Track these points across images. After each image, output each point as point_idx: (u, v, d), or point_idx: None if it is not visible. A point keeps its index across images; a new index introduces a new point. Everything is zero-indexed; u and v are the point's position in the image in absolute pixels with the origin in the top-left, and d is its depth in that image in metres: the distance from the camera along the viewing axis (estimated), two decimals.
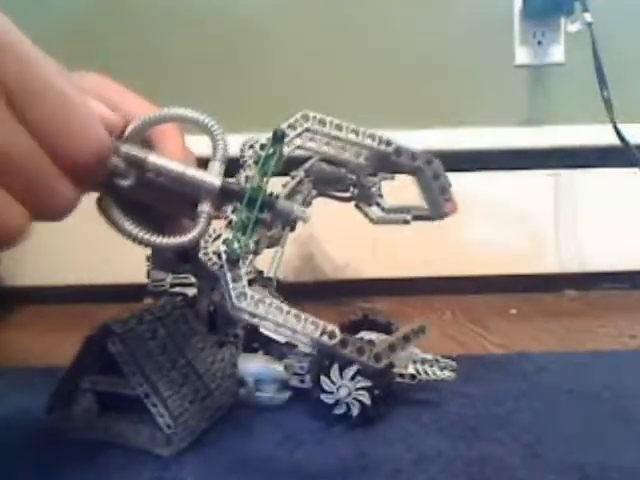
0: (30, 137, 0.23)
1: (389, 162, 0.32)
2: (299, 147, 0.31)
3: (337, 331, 0.28)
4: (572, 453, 0.33)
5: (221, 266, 0.29)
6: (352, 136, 0.31)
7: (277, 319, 0.28)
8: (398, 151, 0.31)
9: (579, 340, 0.55)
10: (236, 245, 0.29)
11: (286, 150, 0.30)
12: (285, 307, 0.29)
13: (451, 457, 0.33)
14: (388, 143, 0.31)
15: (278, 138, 0.30)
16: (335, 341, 0.28)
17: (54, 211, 0.25)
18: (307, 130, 0.30)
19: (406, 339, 0.30)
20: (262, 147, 0.30)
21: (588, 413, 0.38)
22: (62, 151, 0.24)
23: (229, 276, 0.29)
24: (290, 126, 0.30)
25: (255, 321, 0.29)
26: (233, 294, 0.29)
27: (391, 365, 0.38)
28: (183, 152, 0.34)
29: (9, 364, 0.52)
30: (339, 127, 0.31)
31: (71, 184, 0.25)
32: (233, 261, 0.29)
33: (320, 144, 0.31)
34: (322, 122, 0.30)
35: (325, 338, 0.28)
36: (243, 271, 0.29)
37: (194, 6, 0.76)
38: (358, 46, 0.76)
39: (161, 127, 0.32)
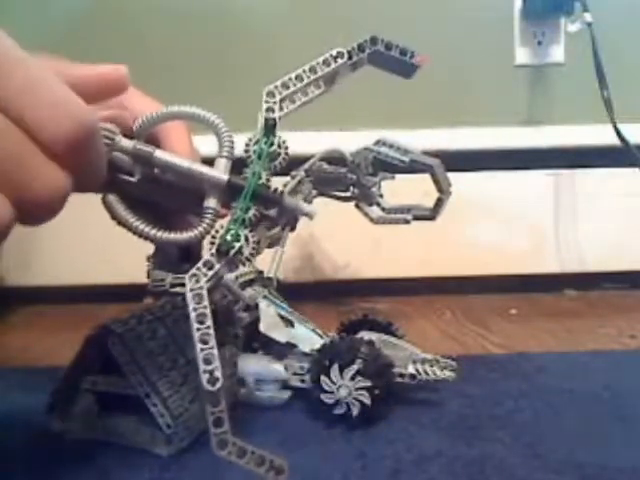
0: (5, 118, 0.22)
1: (347, 70, 0.33)
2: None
3: (219, 385, 0.26)
4: (572, 453, 0.33)
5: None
6: (313, 77, 0.31)
7: (195, 325, 0.27)
8: (349, 55, 0.32)
9: (579, 340, 0.55)
10: (241, 242, 0.29)
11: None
12: (209, 324, 0.27)
13: (451, 457, 0.33)
14: (340, 55, 0.31)
15: (271, 127, 0.30)
16: (214, 389, 0.26)
17: (40, 197, 0.23)
18: (281, 101, 0.31)
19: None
20: (257, 142, 0.31)
21: (588, 413, 0.38)
22: (37, 129, 0.23)
23: (204, 257, 0.29)
24: (269, 110, 0.30)
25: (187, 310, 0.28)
26: (190, 272, 0.28)
27: (391, 365, 0.38)
28: (190, 149, 0.34)
29: (9, 364, 0.52)
30: (300, 78, 0.31)
31: (57, 167, 0.24)
32: (222, 252, 0.29)
33: (288, 106, 0.31)
34: (285, 86, 0.31)
35: (206, 377, 0.26)
36: (217, 266, 0.29)
37: (194, 5, 0.76)
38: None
39: (168, 124, 0.32)
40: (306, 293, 0.64)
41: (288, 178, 0.47)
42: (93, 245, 0.72)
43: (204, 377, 0.26)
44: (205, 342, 0.27)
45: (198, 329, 0.27)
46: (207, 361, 0.27)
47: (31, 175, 0.23)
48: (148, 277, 0.42)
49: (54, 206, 0.24)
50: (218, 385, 0.26)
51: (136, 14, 0.76)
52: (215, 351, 0.27)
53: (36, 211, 0.24)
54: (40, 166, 0.23)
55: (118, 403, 0.35)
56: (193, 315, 0.27)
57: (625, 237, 0.75)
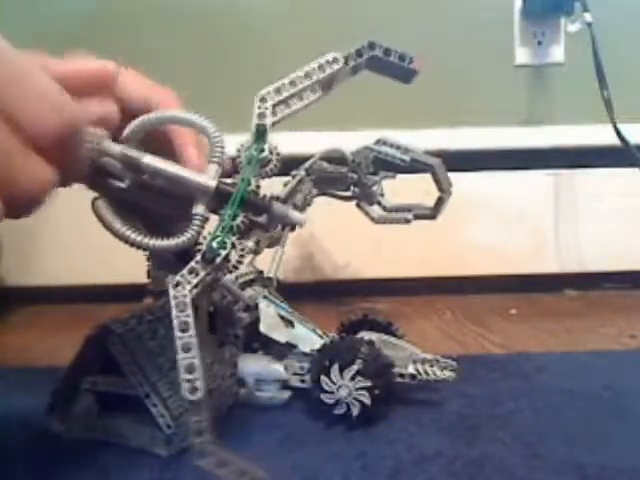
0: None
1: (343, 75, 0.33)
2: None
3: (199, 394, 0.26)
4: (572, 453, 0.33)
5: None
6: (308, 82, 0.31)
7: (177, 334, 0.27)
8: (346, 60, 0.32)
9: (579, 340, 0.55)
10: (227, 250, 0.29)
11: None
12: (192, 332, 0.27)
13: (451, 457, 0.33)
14: (335, 61, 0.32)
15: (261, 133, 0.30)
16: (194, 398, 0.26)
17: (27, 191, 0.23)
18: (273, 107, 0.30)
19: None
20: (248, 148, 0.31)
21: (588, 413, 0.38)
22: (24, 122, 0.23)
23: (192, 263, 0.28)
24: (260, 115, 0.30)
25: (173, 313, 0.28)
26: (176, 278, 0.28)
27: (391, 365, 0.38)
28: (196, 146, 0.34)
29: (9, 364, 0.52)
30: (293, 84, 0.31)
31: (43, 161, 0.24)
32: (208, 259, 0.28)
33: (283, 111, 0.31)
34: (278, 91, 0.31)
35: (187, 386, 0.27)
36: (202, 273, 0.28)
37: (194, 5, 0.76)
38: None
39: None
40: (306, 293, 0.64)
41: (288, 178, 0.47)
42: (93, 245, 0.71)
43: (185, 386, 0.26)
44: (187, 350, 0.27)
45: (180, 337, 0.27)
46: (188, 369, 0.27)
47: (17, 170, 0.23)
48: (148, 277, 0.42)
49: (40, 200, 0.24)
50: (199, 394, 0.26)
51: (136, 14, 0.76)
52: (197, 360, 0.27)
53: (23, 205, 0.24)
54: (26, 161, 0.23)
55: (118, 403, 0.35)
56: (175, 323, 0.27)
57: (625, 237, 0.75)
